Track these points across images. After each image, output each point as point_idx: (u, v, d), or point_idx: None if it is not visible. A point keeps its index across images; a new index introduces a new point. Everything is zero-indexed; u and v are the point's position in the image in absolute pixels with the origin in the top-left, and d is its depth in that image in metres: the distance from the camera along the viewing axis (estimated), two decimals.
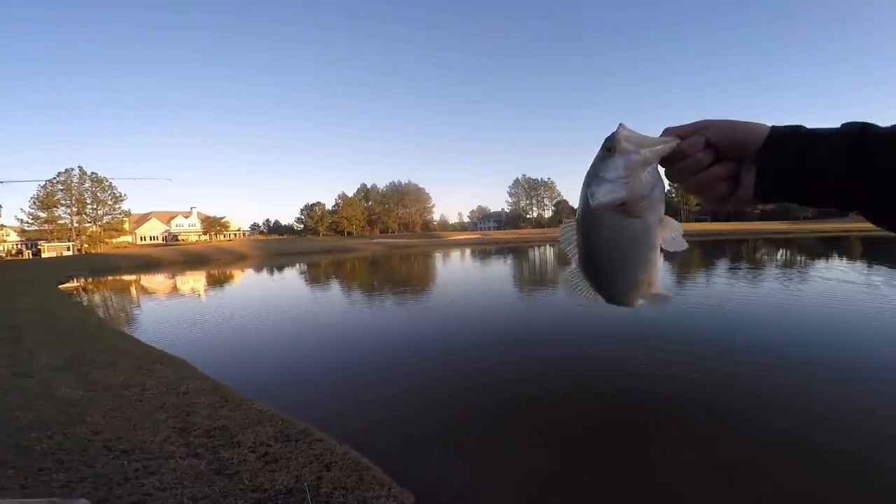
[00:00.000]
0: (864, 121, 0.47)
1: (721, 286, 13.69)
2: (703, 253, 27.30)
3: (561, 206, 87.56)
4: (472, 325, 9.77)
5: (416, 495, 3.10)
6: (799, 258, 23.16)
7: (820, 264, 19.79)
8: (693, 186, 0.53)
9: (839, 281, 13.71)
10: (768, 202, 0.52)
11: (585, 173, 0.53)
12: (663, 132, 0.53)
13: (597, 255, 0.56)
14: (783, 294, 11.85)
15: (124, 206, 64.97)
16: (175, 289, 20.91)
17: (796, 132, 0.49)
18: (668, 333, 8.00)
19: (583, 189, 0.53)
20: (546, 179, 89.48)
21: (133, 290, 21.11)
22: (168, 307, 14.46)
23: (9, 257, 53.60)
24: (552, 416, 4.78)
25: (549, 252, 36.49)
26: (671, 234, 0.54)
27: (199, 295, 18.14)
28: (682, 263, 20.51)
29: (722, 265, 20.40)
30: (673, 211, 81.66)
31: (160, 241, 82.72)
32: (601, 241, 0.54)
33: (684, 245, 0.53)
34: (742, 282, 14.48)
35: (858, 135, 0.46)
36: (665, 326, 8.49)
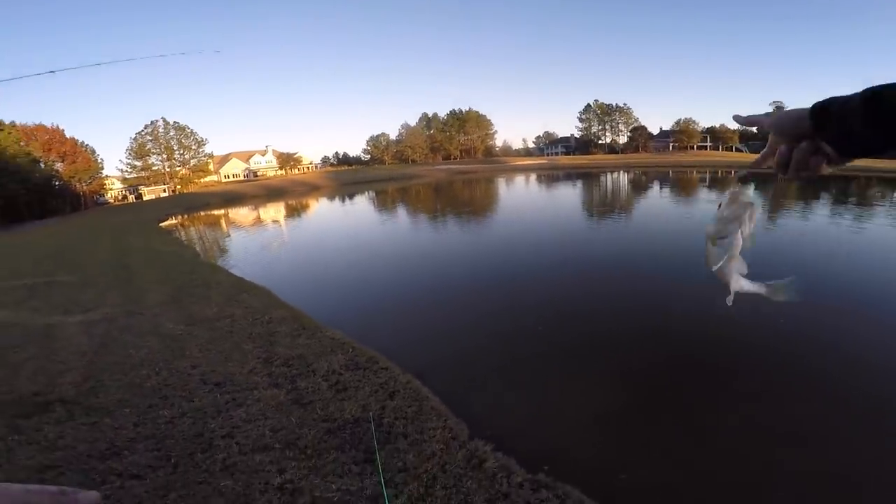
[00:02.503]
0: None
1: (827, 225, 11.80)
2: (804, 188, 24.07)
3: (638, 133, 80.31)
4: (538, 254, 9.64)
5: (471, 427, 3.24)
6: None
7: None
8: (793, 175, 0.66)
9: None
10: (854, 159, 0.61)
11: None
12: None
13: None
14: None
15: (207, 149, 70.03)
16: (258, 221, 22.59)
17: (828, 106, 0.58)
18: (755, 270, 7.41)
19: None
20: (622, 105, 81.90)
21: (222, 224, 23.11)
22: (251, 239, 15.74)
23: (116, 203, 60.45)
24: (616, 355, 4.66)
25: (623, 178, 34.32)
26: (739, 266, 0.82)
27: (279, 225, 19.54)
28: (781, 196, 18.44)
29: (825, 202, 17.91)
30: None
31: (242, 178, 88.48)
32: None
33: (750, 287, 0.83)
34: (853, 222, 12.18)
35: (871, 93, 0.53)
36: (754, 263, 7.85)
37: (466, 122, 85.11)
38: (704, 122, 78.76)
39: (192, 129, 67.40)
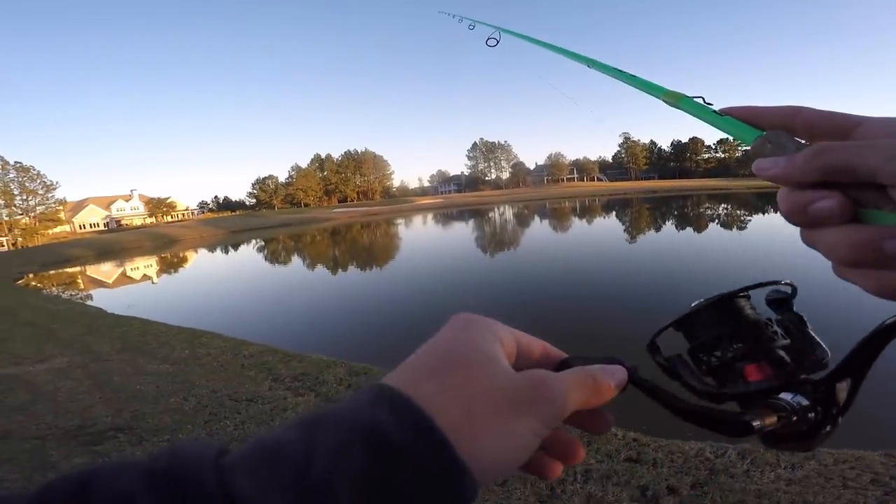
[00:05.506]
0: None
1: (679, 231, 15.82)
2: (653, 207, 29.94)
3: (517, 168, 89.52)
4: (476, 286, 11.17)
5: None
6: (735, 211, 26.31)
7: (756, 216, 22.76)
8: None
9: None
10: None
11: None
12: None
13: None
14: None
15: (58, 193, 61.57)
16: (164, 272, 20.81)
17: None
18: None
19: None
20: (503, 142, 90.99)
21: (110, 278, 20.83)
22: (160, 289, 14.82)
23: None
24: None
25: (509, 212, 38.42)
26: None
27: (190, 274, 18.37)
28: (633, 217, 22.66)
29: (670, 218, 22.89)
30: (623, 170, 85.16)
31: (101, 227, 78.43)
32: None
33: None
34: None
35: None
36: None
37: (363, 164, 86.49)
38: (571, 155, 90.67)
39: (38, 171, 58.83)
